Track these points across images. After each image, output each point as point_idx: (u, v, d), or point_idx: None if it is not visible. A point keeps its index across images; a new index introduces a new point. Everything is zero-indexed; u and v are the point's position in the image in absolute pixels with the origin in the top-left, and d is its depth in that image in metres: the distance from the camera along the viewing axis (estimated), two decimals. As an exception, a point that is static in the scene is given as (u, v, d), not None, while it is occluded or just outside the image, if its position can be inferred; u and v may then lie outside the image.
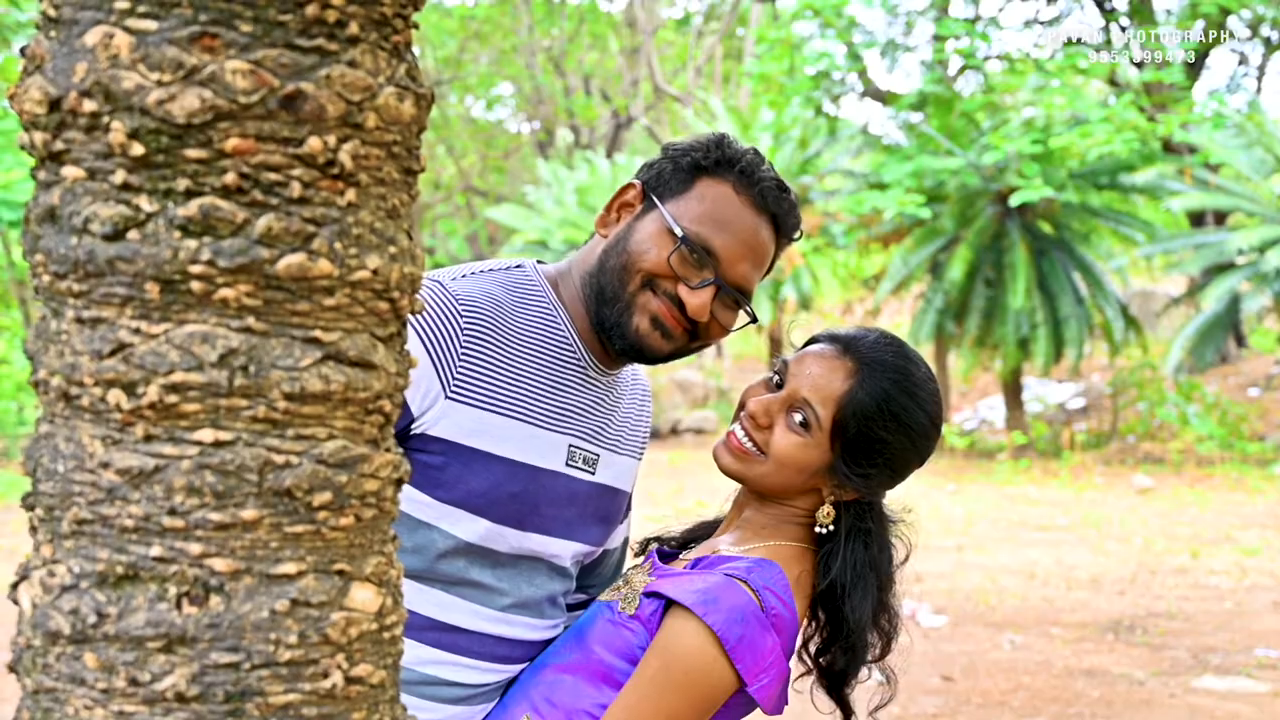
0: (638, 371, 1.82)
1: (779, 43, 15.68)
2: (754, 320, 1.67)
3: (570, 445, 1.63)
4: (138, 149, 0.80)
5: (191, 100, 0.80)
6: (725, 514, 1.76)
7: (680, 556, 1.73)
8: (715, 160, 1.62)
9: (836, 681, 1.67)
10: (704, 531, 1.80)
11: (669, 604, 1.56)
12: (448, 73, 25.60)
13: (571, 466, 1.64)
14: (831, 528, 1.64)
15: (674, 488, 11.93)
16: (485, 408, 1.55)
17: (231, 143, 0.81)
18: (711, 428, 17.84)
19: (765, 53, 16.06)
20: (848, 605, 1.62)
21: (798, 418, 1.61)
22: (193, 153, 0.81)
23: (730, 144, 1.64)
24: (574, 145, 27.52)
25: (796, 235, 1.69)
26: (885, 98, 16.71)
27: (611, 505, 1.74)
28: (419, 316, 1.51)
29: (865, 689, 1.72)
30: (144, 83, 0.80)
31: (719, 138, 1.65)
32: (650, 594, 1.60)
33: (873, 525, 1.66)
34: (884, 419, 1.59)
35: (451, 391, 1.52)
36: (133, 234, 0.81)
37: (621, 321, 1.60)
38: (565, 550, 1.67)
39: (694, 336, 1.63)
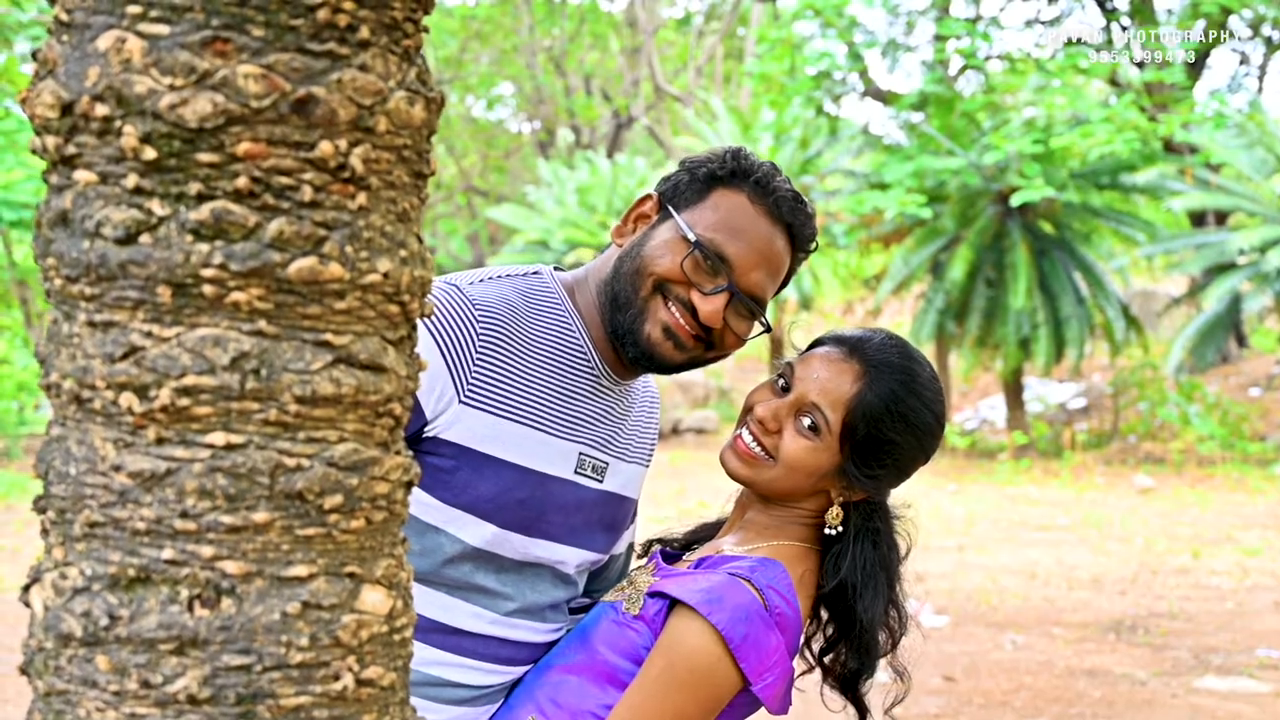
0: (647, 378, 1.82)
1: (780, 42, 15.68)
2: (768, 329, 1.67)
3: (580, 453, 1.64)
4: (150, 153, 0.81)
5: (203, 104, 0.80)
6: (728, 515, 1.77)
7: (684, 557, 1.73)
8: (731, 171, 1.63)
9: (850, 681, 1.68)
10: (707, 532, 1.80)
11: (673, 603, 1.57)
12: (449, 72, 25.61)
13: (580, 474, 1.64)
14: (840, 529, 1.64)
15: (675, 488, 11.93)
16: (498, 413, 1.55)
17: (243, 147, 0.81)
18: (713, 428, 17.85)
19: (766, 52, 16.07)
20: (860, 604, 1.62)
21: (807, 421, 1.61)
22: (204, 157, 0.81)
23: (746, 156, 1.65)
24: (575, 145, 27.53)
25: (812, 247, 1.69)
26: (886, 98, 16.72)
27: (618, 512, 1.75)
28: (435, 320, 1.51)
29: (871, 687, 1.72)
30: (156, 87, 0.80)
31: (735, 150, 1.66)
32: (654, 594, 1.61)
33: (880, 524, 1.67)
34: (893, 420, 1.60)
35: (465, 396, 1.53)
36: (145, 238, 0.81)
37: (634, 328, 1.60)
38: (571, 557, 1.67)
39: (709, 346, 1.63)
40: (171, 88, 0.80)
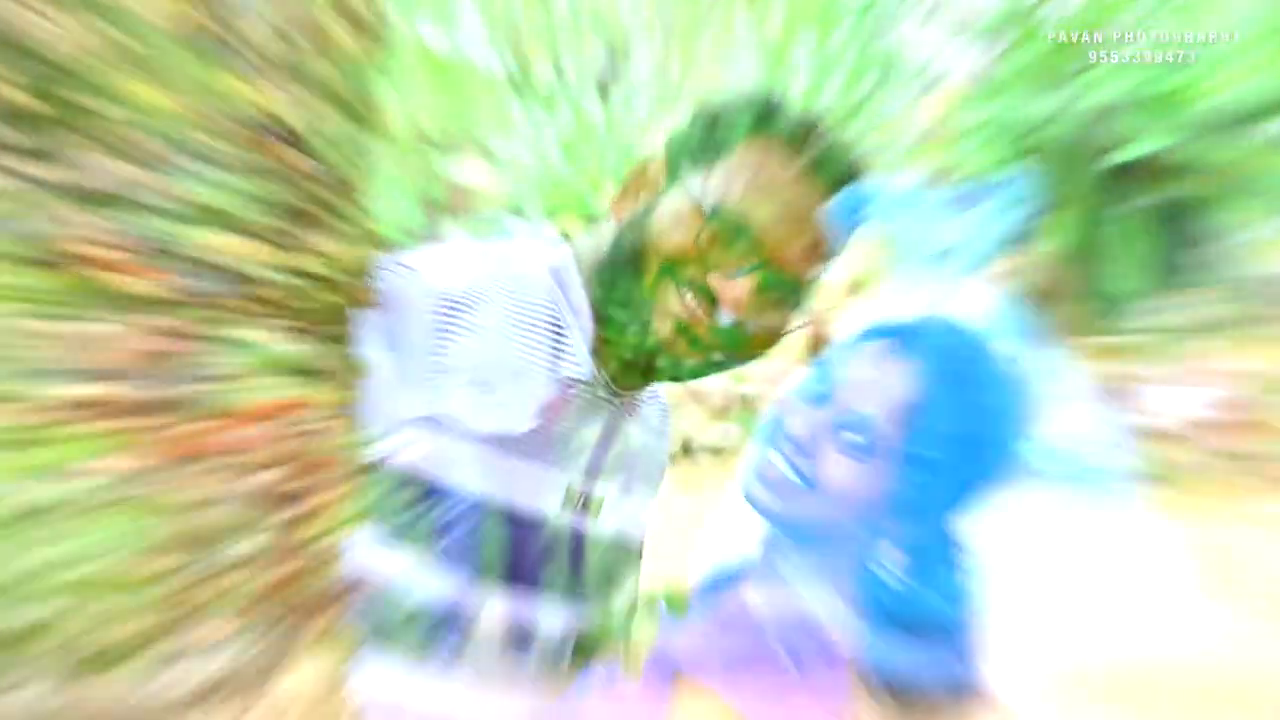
0: (655, 387, 1.83)
1: (820, -47, 15.75)
2: (810, 321, 1.67)
3: (570, 485, 1.65)
4: (20, 98, 0.81)
5: (89, 38, 0.81)
6: (750, 553, 1.78)
7: (695, 608, 1.75)
8: (758, 117, 1.63)
9: None
10: (724, 575, 1.82)
11: (681, 670, 1.58)
12: (396, -8, 25.70)
13: (569, 510, 1.65)
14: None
15: (687, 520, 11.95)
16: (464, 432, 1.56)
17: (142, 92, 0.82)
18: (733, 445, 17.88)
19: (802, -34, 16.14)
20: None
21: (851, 437, 1.62)
22: (91, 103, 0.81)
23: (775, 100, 1.65)
24: (557, 84, 27.61)
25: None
26: (955, 24, 16.78)
27: (618, 558, 1.76)
28: (388, 314, 1.52)
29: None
30: (30, 15, 0.81)
31: (763, 93, 1.66)
32: (658, 654, 1.62)
33: (946, 562, 1.68)
34: (959, 430, 1.61)
35: (424, 410, 1.53)
36: (6, 205, 0.82)
37: (637, 324, 1.60)
38: (556, 615, 1.68)
39: (733, 345, 1.63)
40: (45, 16, 0.81)
